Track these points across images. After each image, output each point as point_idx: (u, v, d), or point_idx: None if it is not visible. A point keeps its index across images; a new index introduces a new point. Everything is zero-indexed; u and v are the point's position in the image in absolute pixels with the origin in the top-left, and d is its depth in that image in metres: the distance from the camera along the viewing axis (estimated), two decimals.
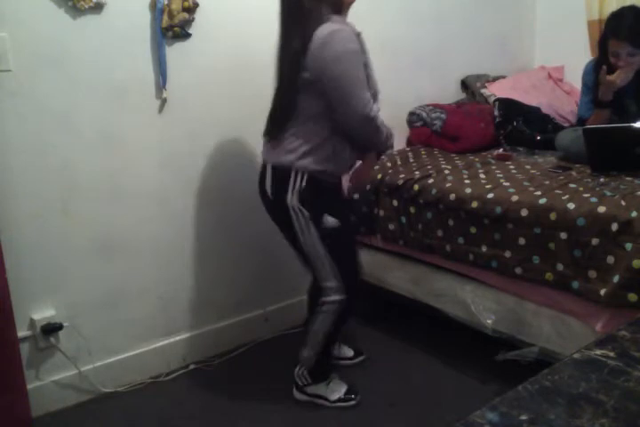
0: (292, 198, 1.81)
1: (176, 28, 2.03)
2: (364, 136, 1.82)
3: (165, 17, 2.00)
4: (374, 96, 1.82)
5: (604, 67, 2.24)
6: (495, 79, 3.00)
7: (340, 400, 2.04)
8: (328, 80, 1.71)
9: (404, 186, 2.25)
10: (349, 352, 2.31)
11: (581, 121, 2.44)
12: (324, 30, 1.68)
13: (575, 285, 1.79)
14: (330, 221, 1.85)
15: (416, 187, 2.20)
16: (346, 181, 2.07)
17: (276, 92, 1.85)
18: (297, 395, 2.08)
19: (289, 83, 1.77)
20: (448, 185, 2.13)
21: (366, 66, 1.78)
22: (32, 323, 1.98)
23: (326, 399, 2.04)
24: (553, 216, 1.81)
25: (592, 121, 2.34)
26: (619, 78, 2.23)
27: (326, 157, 1.81)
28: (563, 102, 2.94)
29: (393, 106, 2.65)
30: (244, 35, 2.21)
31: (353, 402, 2.04)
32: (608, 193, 1.82)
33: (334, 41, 1.67)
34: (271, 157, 1.87)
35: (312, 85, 1.74)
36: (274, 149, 1.86)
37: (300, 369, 2.04)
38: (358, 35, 1.77)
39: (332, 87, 1.72)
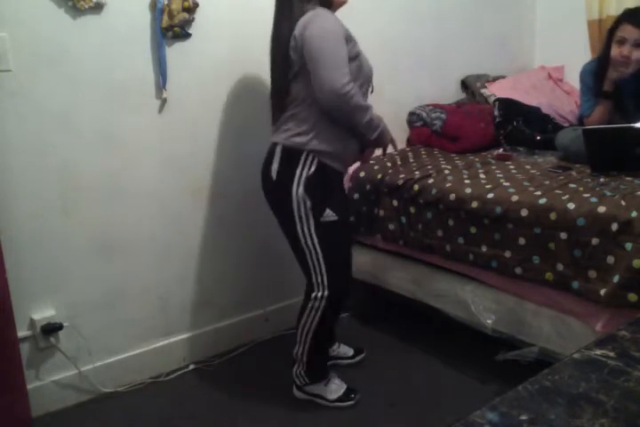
0: (297, 185, 1.81)
1: (176, 28, 2.03)
2: (338, 114, 1.79)
3: (165, 17, 2.01)
4: (365, 84, 1.85)
5: (617, 48, 2.23)
6: (495, 79, 3.00)
7: (338, 400, 2.04)
8: (306, 55, 1.74)
9: (403, 186, 2.25)
10: (349, 351, 2.31)
11: (582, 119, 2.44)
12: (307, 15, 1.75)
13: (575, 285, 1.79)
14: (329, 214, 1.85)
15: (416, 187, 2.20)
16: (346, 182, 2.06)
17: (272, 78, 1.88)
18: (297, 393, 2.09)
19: (282, 68, 1.81)
20: (448, 185, 2.13)
21: (356, 51, 1.80)
22: (32, 323, 1.98)
23: (325, 399, 2.04)
24: (553, 216, 1.81)
25: (597, 113, 2.36)
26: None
27: (334, 137, 1.83)
28: (563, 102, 2.94)
29: (393, 106, 2.66)
30: (244, 35, 2.21)
31: (351, 402, 2.03)
32: (608, 193, 1.82)
33: (316, 21, 1.74)
34: (281, 138, 1.86)
35: (303, 69, 1.77)
36: (283, 131, 1.86)
37: (298, 369, 2.04)
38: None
39: (308, 62, 1.74)
